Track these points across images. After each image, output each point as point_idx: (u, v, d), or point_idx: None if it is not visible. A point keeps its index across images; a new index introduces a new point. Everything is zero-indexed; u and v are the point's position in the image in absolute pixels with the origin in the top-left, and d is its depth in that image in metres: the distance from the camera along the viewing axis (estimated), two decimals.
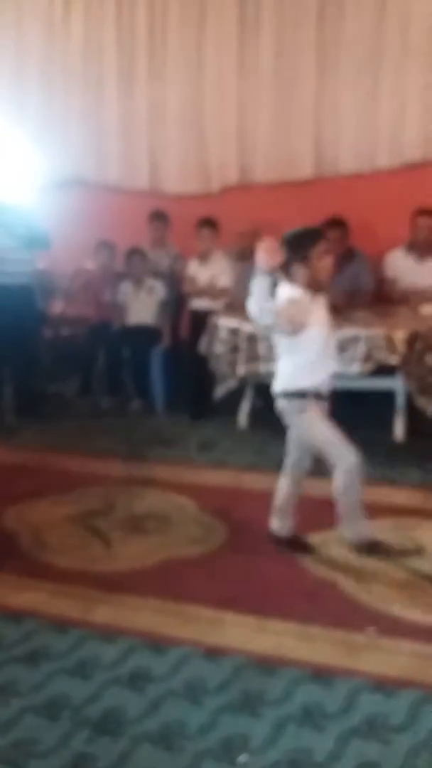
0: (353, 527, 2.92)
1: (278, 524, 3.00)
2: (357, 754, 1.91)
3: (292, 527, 3.00)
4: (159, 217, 5.24)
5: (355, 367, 3.81)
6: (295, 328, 2.74)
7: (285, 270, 2.75)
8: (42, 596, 2.70)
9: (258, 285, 2.72)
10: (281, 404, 2.89)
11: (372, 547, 2.91)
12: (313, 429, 2.85)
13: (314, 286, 2.79)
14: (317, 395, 2.84)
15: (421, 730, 1.98)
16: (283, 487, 3.00)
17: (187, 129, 5.48)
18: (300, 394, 2.83)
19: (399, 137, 5.00)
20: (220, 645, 2.38)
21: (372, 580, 2.73)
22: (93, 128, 5.75)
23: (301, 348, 2.80)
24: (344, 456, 2.81)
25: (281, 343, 2.88)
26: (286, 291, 2.77)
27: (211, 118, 5.43)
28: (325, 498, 3.26)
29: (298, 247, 2.77)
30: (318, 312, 2.82)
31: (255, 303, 2.75)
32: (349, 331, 3.89)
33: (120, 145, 5.69)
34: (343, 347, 3.85)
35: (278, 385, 2.90)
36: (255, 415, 4.42)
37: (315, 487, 3.11)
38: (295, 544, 2.98)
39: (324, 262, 2.79)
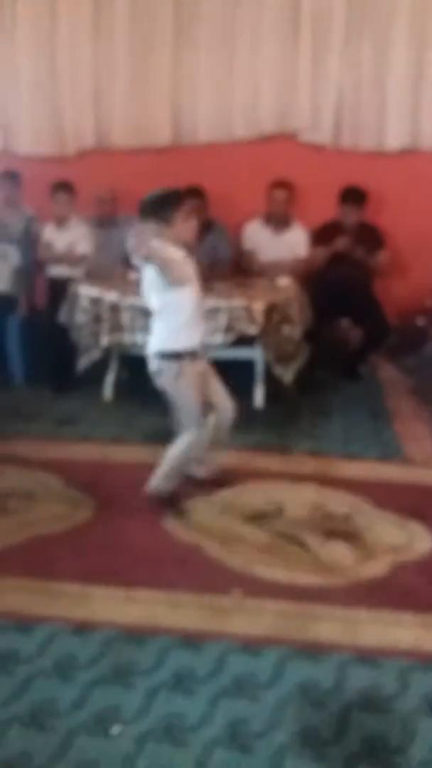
0: (164, 481, 3.03)
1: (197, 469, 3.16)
2: (227, 714, 1.99)
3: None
4: (9, 177, 4.98)
5: (218, 338, 3.87)
6: (175, 282, 2.79)
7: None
8: None
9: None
10: (157, 365, 2.95)
11: (167, 502, 3.02)
12: (183, 390, 2.93)
13: (181, 247, 2.84)
14: (193, 354, 2.91)
15: (286, 685, 2.09)
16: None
17: (41, 91, 5.25)
18: (176, 355, 2.89)
19: (255, 109, 5.07)
20: (89, 619, 2.37)
21: (236, 543, 2.82)
22: None
23: (175, 308, 2.87)
24: (198, 426, 2.95)
25: (155, 305, 2.92)
26: (167, 250, 2.79)
27: (65, 81, 5.22)
28: None
29: (161, 210, 2.81)
30: (189, 271, 2.87)
31: None
32: (210, 302, 3.93)
33: None
34: (205, 318, 3.89)
35: (154, 346, 2.95)
36: (120, 387, 4.37)
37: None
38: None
39: (188, 223, 2.85)
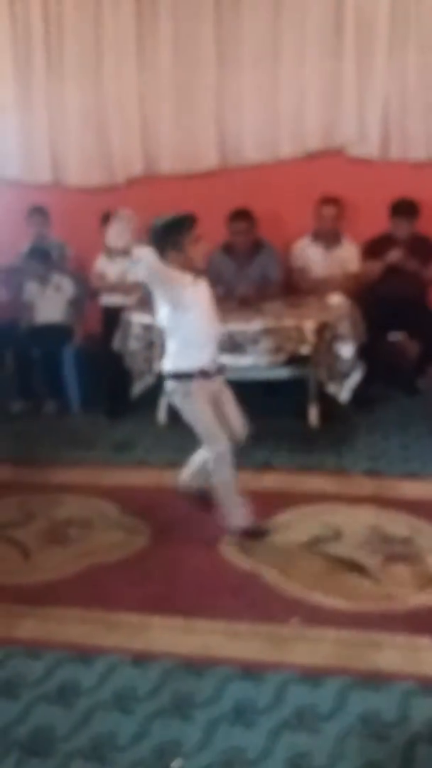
0: (230, 516, 3.00)
1: (188, 478, 3.15)
2: (288, 747, 1.95)
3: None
4: (39, 212, 5.14)
5: (267, 359, 3.86)
6: (168, 290, 2.82)
7: (161, 257, 2.80)
8: None
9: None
10: (170, 386, 3.00)
11: (249, 534, 2.99)
12: (193, 410, 2.96)
13: (191, 272, 2.88)
14: (203, 373, 2.94)
15: (348, 716, 2.05)
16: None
17: (88, 121, 5.36)
18: (186, 375, 2.93)
19: (300, 127, 5.05)
20: (147, 650, 2.37)
21: (293, 569, 2.78)
22: None
23: (182, 329, 2.91)
24: (214, 442, 2.94)
25: (165, 325, 2.98)
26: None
27: (112, 110, 5.32)
28: (248, 490, 3.31)
29: (170, 234, 2.84)
30: (198, 294, 2.91)
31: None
32: (259, 324, 3.94)
33: (20, 140, 5.50)
34: (255, 340, 3.90)
35: (166, 366, 3.01)
36: (173, 411, 4.37)
37: (242, 479, 3.15)
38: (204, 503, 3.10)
39: (197, 248, 2.89)
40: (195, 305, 2.89)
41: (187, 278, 2.87)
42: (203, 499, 3.13)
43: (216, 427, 2.94)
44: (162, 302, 2.94)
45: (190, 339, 2.92)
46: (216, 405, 2.99)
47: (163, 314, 2.97)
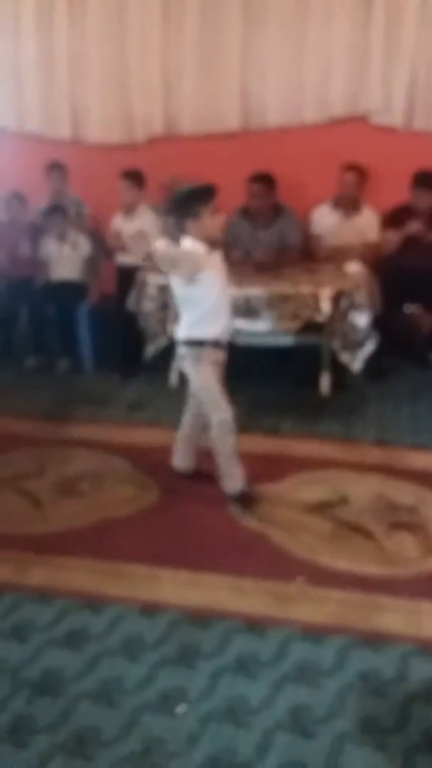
0: (228, 481, 3.05)
1: (181, 462, 3.23)
2: (290, 699, 2.02)
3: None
4: (58, 168, 5.11)
5: (282, 325, 3.86)
6: (187, 274, 2.90)
7: (177, 225, 2.88)
8: None
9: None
10: (181, 351, 3.07)
11: (244, 499, 3.03)
12: (200, 377, 3.03)
13: (207, 242, 2.92)
14: (215, 344, 3.01)
15: (348, 674, 2.11)
16: (185, 426, 3.23)
17: (110, 79, 5.29)
18: (199, 343, 2.99)
19: (325, 92, 4.97)
20: (155, 601, 2.44)
21: (300, 531, 2.83)
22: (11, 77, 5.48)
23: (197, 300, 2.97)
24: (219, 409, 2.99)
25: (179, 295, 3.04)
26: (187, 243, 2.90)
27: (134, 69, 5.25)
28: (258, 454, 3.36)
29: (191, 204, 2.88)
30: (213, 266, 2.95)
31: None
32: (276, 290, 3.93)
33: (40, 94, 5.45)
34: (271, 305, 3.90)
35: (180, 333, 3.07)
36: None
37: (247, 443, 3.20)
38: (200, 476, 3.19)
39: (215, 219, 2.93)
40: (209, 278, 2.93)
41: (203, 250, 2.89)
42: (201, 473, 3.20)
43: (221, 395, 3.01)
44: (176, 277, 2.98)
45: (204, 311, 2.97)
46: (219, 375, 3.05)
47: (176, 286, 3.01)
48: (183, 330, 3.05)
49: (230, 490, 3.04)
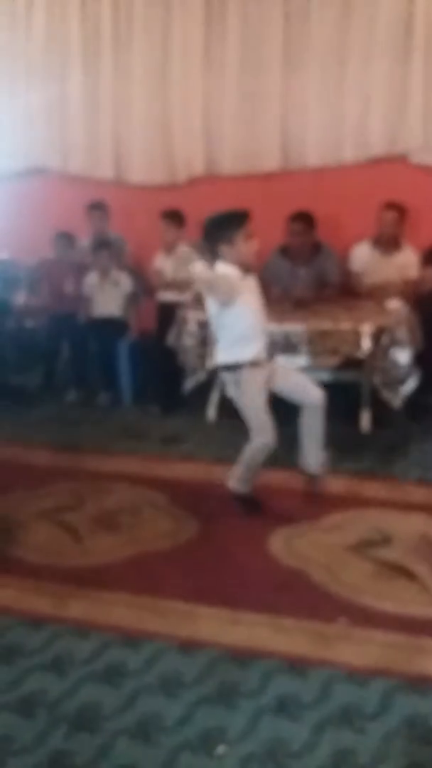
0: (239, 483, 3.20)
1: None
2: (332, 743, 1.95)
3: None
4: (99, 207, 5.23)
5: (321, 361, 3.86)
6: (224, 297, 2.95)
7: (210, 251, 2.97)
8: (12, 592, 2.68)
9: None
10: (222, 376, 3.16)
11: (248, 502, 3.15)
12: (246, 396, 3.08)
13: (241, 267, 2.99)
14: (253, 364, 3.05)
15: (393, 718, 2.03)
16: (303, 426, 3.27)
17: (153, 121, 5.44)
18: (236, 366, 3.06)
19: (364, 132, 5.03)
20: (193, 638, 2.40)
21: (342, 571, 2.77)
22: (57, 119, 5.67)
23: (231, 324, 3.04)
24: (264, 433, 3.05)
25: (214, 320, 3.10)
26: (220, 267, 2.98)
27: (176, 110, 5.39)
28: (297, 490, 3.32)
29: (223, 229, 2.95)
30: (247, 290, 3.02)
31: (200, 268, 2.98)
32: (316, 325, 3.93)
33: (84, 135, 5.62)
34: (310, 341, 3.90)
35: (218, 358, 3.15)
36: (223, 408, 4.42)
37: (287, 480, 3.16)
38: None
39: (249, 245, 2.99)
40: (243, 302, 2.99)
41: (237, 275, 2.95)
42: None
43: (266, 418, 3.05)
44: (212, 301, 3.03)
45: (239, 334, 3.04)
46: (282, 382, 3.12)
47: (212, 311, 3.07)
48: (220, 355, 3.12)
49: (239, 489, 3.16)
